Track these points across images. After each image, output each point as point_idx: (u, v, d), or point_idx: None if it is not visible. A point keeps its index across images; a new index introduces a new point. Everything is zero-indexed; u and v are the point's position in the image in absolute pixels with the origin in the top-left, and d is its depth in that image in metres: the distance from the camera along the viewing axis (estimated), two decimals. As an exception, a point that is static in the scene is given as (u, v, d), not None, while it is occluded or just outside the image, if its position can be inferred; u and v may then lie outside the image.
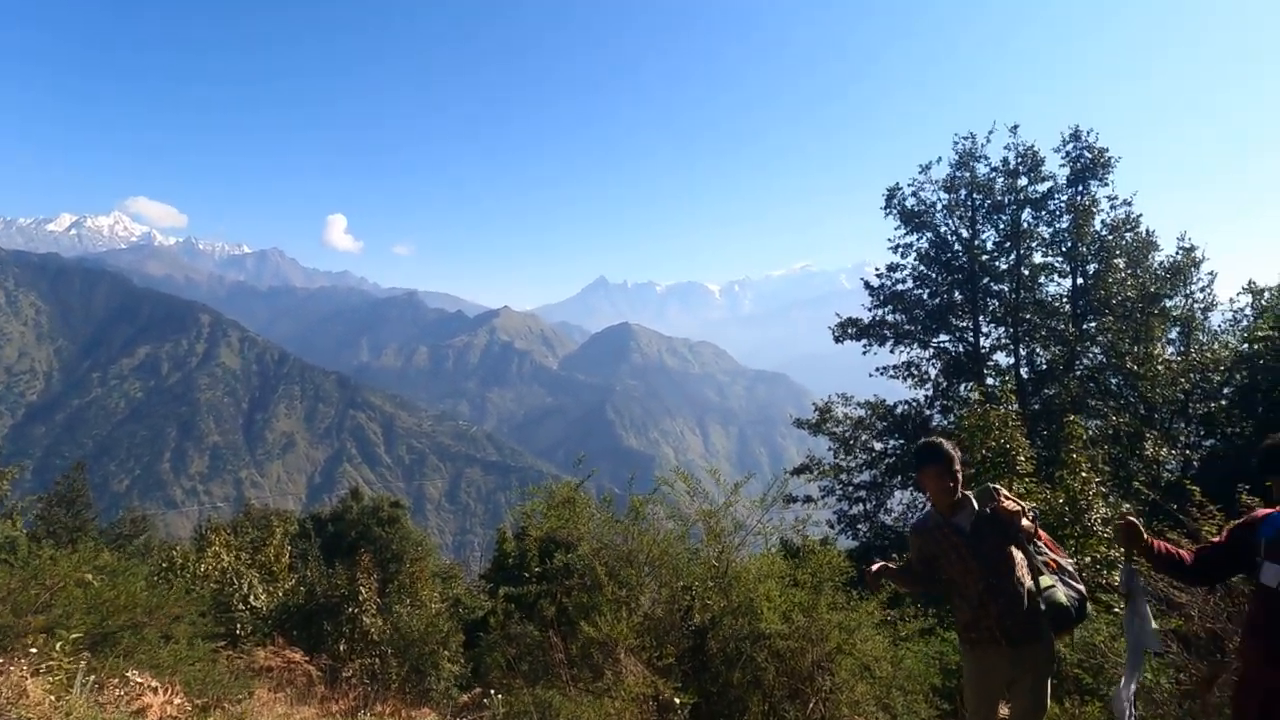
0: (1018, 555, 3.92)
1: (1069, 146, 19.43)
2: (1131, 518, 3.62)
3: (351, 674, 9.86)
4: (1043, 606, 3.90)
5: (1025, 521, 3.92)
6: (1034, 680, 3.92)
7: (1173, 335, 19.80)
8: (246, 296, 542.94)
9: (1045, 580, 3.94)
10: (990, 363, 20.45)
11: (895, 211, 21.02)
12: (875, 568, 4.26)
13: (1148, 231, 19.41)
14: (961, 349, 20.56)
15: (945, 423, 19.27)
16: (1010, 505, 3.90)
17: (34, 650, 4.68)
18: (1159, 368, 17.68)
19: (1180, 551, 3.57)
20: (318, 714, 6.03)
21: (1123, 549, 3.74)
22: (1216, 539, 3.58)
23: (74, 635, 5.42)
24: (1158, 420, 18.40)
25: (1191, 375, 17.76)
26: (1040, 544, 4.09)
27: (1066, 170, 19.46)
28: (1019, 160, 19.75)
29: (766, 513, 7.01)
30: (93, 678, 4.54)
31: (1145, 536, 3.54)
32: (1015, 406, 11.95)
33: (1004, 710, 4.15)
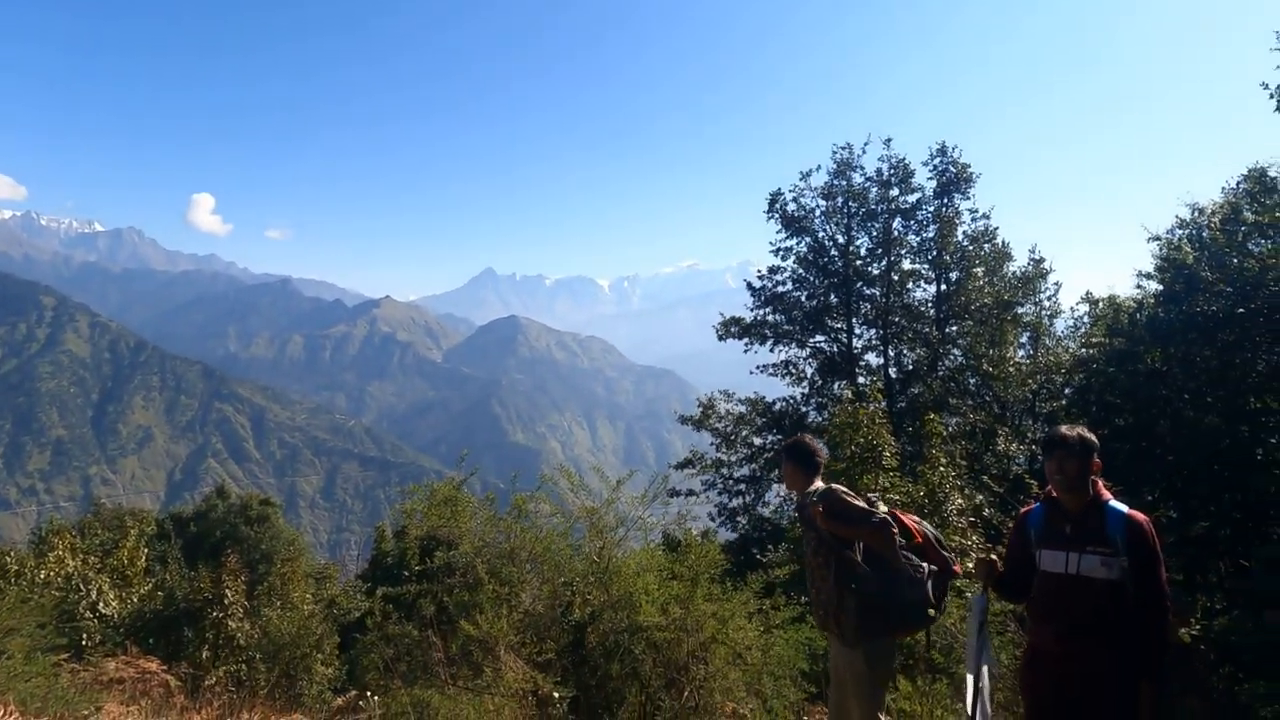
0: (826, 555, 4.13)
1: (936, 160, 20.74)
2: (994, 556, 3.97)
3: (215, 682, 9.35)
4: (845, 598, 4.06)
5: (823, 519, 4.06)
6: (852, 679, 4.14)
7: (1023, 340, 21.56)
8: (98, 278, 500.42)
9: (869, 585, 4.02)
10: (862, 363, 21.57)
11: (777, 215, 21.78)
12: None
13: (1003, 244, 21.03)
14: (836, 349, 21.57)
15: (820, 419, 20.16)
16: (817, 510, 4.07)
17: None
18: (1010, 369, 19.20)
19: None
20: (177, 726, 5.72)
21: (980, 582, 3.98)
22: (1004, 552, 4.02)
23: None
24: (1009, 418, 19.97)
25: (1038, 377, 19.38)
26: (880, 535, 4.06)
27: (934, 183, 20.78)
28: (891, 171, 20.90)
29: (649, 507, 7.16)
30: (-86, 698, 4.15)
31: (999, 572, 3.88)
32: (883, 405, 12.68)
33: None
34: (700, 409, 21.58)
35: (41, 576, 12.74)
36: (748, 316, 22.33)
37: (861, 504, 4.08)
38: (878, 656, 4.08)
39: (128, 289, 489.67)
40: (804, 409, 21.14)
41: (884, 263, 21.16)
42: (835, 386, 20.78)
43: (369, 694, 6.90)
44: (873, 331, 21.64)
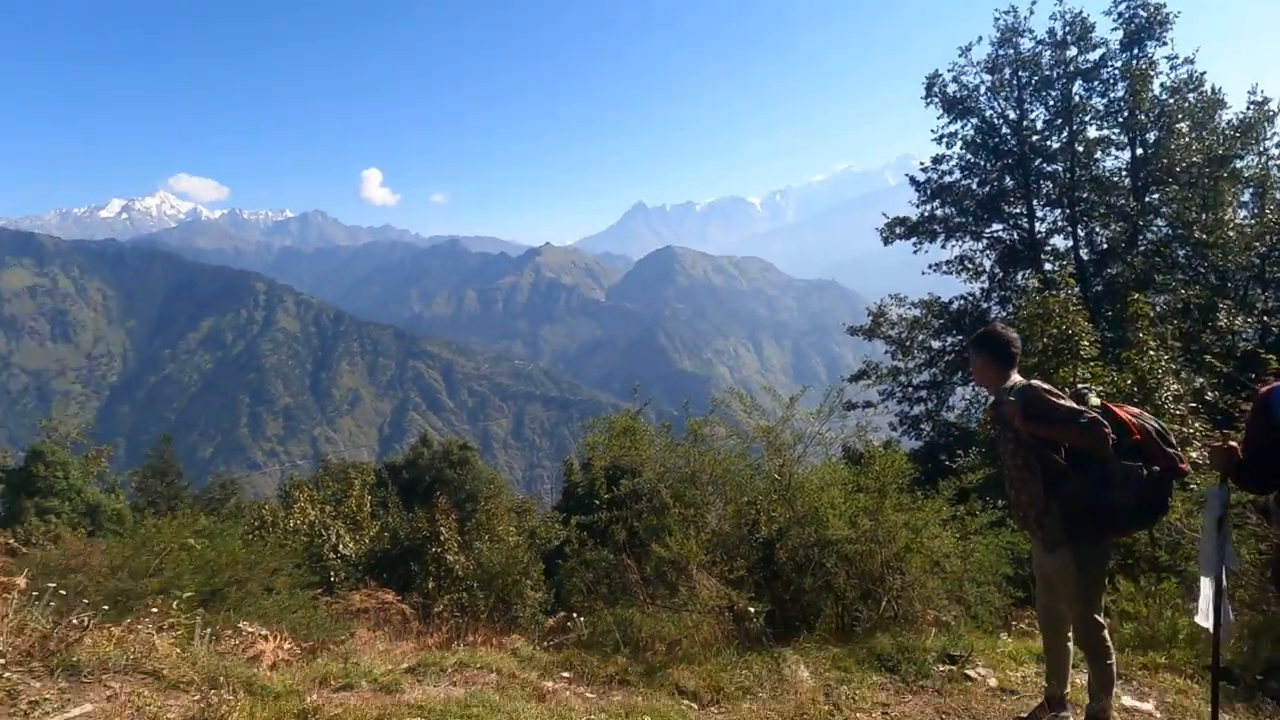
0: (1026, 456, 3.74)
1: (1121, 7, 18.14)
2: (1232, 443, 3.52)
3: (442, 609, 10.40)
4: (1050, 503, 3.70)
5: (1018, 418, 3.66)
6: (1060, 582, 3.83)
7: (1245, 198, 18.72)
8: (294, 260, 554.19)
9: (1078, 485, 3.61)
10: (1047, 248, 19.77)
11: (936, 100, 20.11)
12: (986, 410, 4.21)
13: (1213, 89, 18.18)
14: (1016, 236, 19.88)
15: (1004, 314, 18.84)
16: (1015, 410, 3.67)
17: (155, 610, 5.08)
18: (1230, 234, 16.80)
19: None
20: (415, 648, 6.42)
21: (1219, 473, 3.58)
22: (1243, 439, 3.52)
23: (186, 594, 5.86)
24: (1231, 289, 17.60)
25: (1268, 238, 16.87)
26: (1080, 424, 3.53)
27: (1120, 34, 18.24)
28: (1066, 29, 18.58)
29: (825, 422, 7.02)
30: (209, 631, 4.92)
31: (1239, 460, 3.45)
32: (1076, 290, 11.59)
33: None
34: (870, 317, 20.74)
35: (290, 525, 14.62)
36: (913, 214, 21.01)
37: (1067, 402, 3.62)
38: (1089, 558, 3.71)
39: (319, 267, 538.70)
40: (985, 305, 19.79)
41: (1065, 134, 19.05)
42: (1019, 277, 19.24)
43: (575, 614, 7.40)
44: (1057, 212, 19.71)
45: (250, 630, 5.57)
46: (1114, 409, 3.69)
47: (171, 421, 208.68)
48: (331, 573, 12.95)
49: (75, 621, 3.83)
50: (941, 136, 20.28)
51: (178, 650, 4.06)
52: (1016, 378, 3.86)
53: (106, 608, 4.76)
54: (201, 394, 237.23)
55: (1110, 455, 3.54)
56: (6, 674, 3.28)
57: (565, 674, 4.93)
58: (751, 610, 5.59)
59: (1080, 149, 18.89)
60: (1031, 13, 18.88)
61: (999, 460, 4.12)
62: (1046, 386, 3.71)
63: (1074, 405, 3.58)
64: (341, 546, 14.24)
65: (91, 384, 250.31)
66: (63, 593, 4.24)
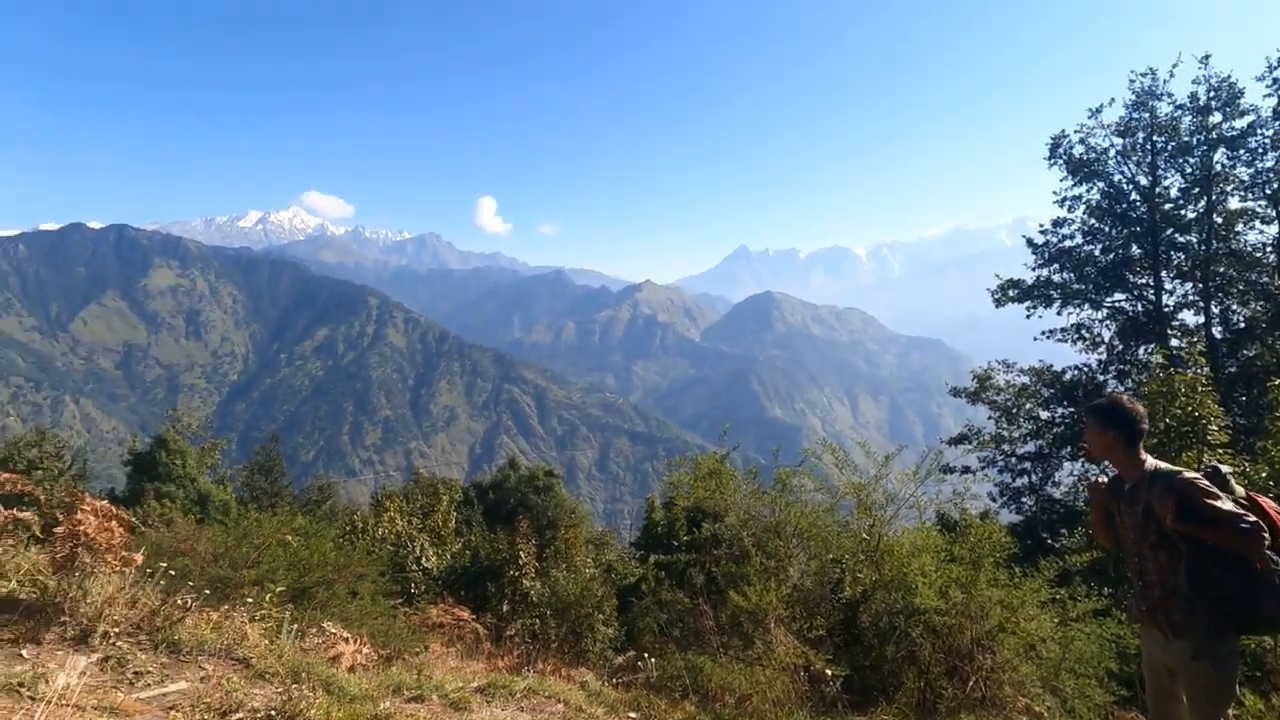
0: (1170, 551, 3.40)
1: (1277, 73, 17.06)
2: None
3: (514, 633, 10.47)
4: (1196, 602, 3.35)
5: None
6: (1187, 681, 3.46)
7: None
8: (408, 279, 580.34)
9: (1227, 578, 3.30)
10: (1175, 322, 18.57)
11: (1061, 161, 19.39)
12: (1097, 481, 3.83)
13: (1376, 166, 16.82)
14: (1140, 308, 18.78)
15: (1122, 388, 17.75)
16: (1167, 507, 3.32)
17: (249, 600, 5.34)
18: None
19: None
20: (486, 668, 6.49)
21: None
22: None
23: (279, 588, 6.12)
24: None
25: None
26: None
27: (1273, 100, 17.16)
28: (1211, 94, 17.60)
29: (921, 485, 6.76)
30: (296, 626, 5.12)
31: None
32: (1206, 370, 10.81)
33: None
34: (975, 381, 19.94)
35: (379, 533, 15.12)
36: (1029, 277, 20.17)
37: (1227, 504, 3.26)
38: (1226, 663, 3.36)
39: (431, 287, 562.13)
40: (1101, 377, 18.72)
41: (1202, 204, 17.97)
42: (1141, 351, 18.14)
43: (646, 655, 7.31)
44: (1188, 286, 18.52)
45: (333, 631, 5.76)
46: (1259, 500, 3.38)
47: (280, 422, 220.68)
48: (412, 584, 13.27)
49: (180, 602, 4.06)
50: (1064, 199, 19.50)
51: (266, 641, 4.24)
52: (1151, 460, 3.54)
53: (207, 592, 5.03)
54: (310, 399, 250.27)
55: (1265, 559, 3.25)
56: (119, 643, 3.51)
57: (632, 714, 4.86)
58: (829, 673, 5.39)
59: (1219, 220, 17.77)
60: (1172, 75, 18.05)
61: (1120, 542, 3.80)
62: (1203, 483, 3.32)
63: (1235, 509, 3.25)
64: (424, 559, 14.60)
65: (214, 380, 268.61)
66: (171, 573, 4.50)
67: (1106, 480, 3.80)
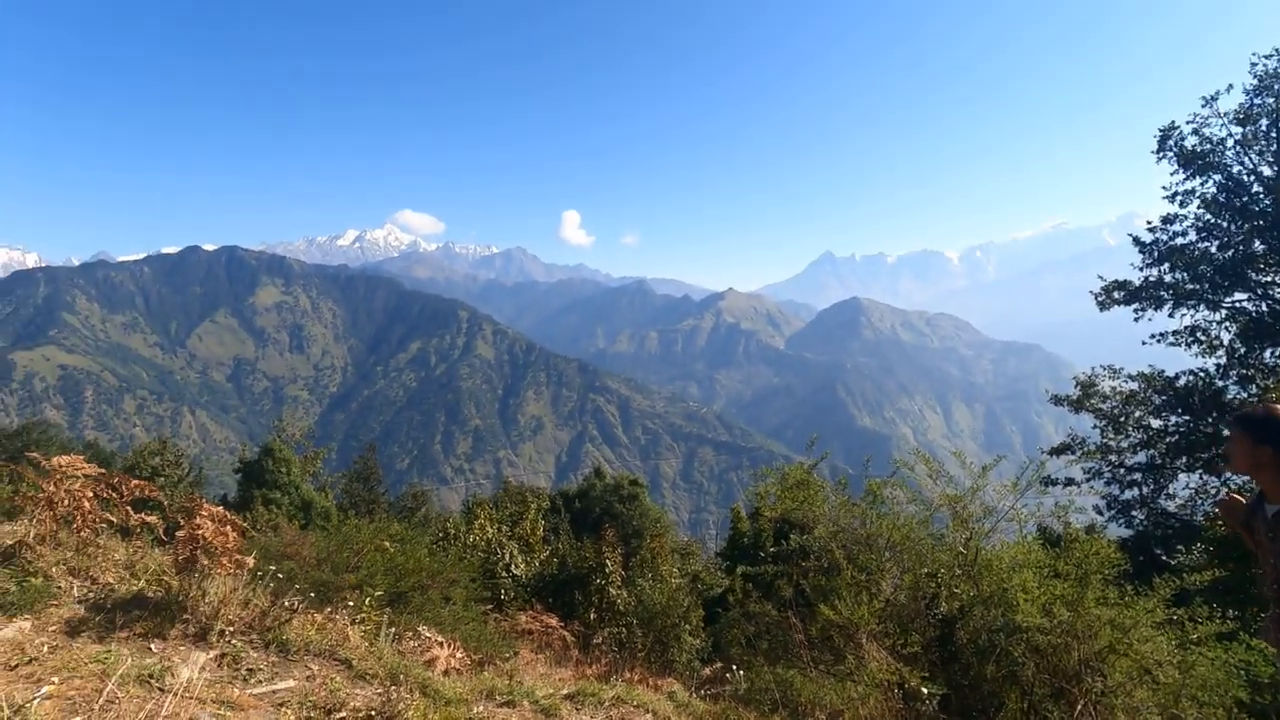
0: None
1: None
2: None
3: (601, 641, 10.56)
4: None
5: None
6: None
7: None
8: (496, 292, 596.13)
9: None
10: (1306, 323, 17.17)
11: (1171, 154, 18.21)
12: (1232, 498, 3.54)
13: None
14: (1265, 308, 17.43)
15: (1245, 395, 16.51)
16: None
17: (350, 603, 5.58)
18: None
19: None
20: (574, 675, 6.56)
21: None
22: None
23: (377, 593, 6.36)
24: None
25: None
26: None
27: None
28: (1344, 75, 16.29)
29: (1021, 497, 6.47)
30: (393, 630, 5.31)
31: None
32: (1343, 375, 9.97)
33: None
34: (1078, 387, 18.91)
35: (470, 540, 15.51)
36: (1136, 278, 19.03)
37: None
38: None
39: (517, 299, 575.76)
40: (1221, 383, 17.44)
41: (1336, 193, 16.59)
42: (1267, 354, 16.83)
43: (734, 667, 7.24)
44: (1322, 283, 17.11)
45: (428, 635, 5.95)
46: None
47: (377, 432, 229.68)
48: (502, 591, 13.55)
49: (287, 604, 4.28)
50: (1175, 194, 18.32)
51: (366, 644, 4.41)
52: None
53: (312, 595, 5.28)
54: (404, 409, 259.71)
55: None
56: (234, 640, 3.73)
57: (720, 727, 4.82)
58: (925, 691, 5.21)
59: (1356, 211, 16.36)
60: (1300, 57, 16.76)
61: (1257, 562, 3.49)
62: None
63: None
64: (513, 566, 14.89)
65: (316, 392, 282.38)
66: (279, 576, 4.74)
67: (1244, 498, 3.50)
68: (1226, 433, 3.44)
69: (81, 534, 4.40)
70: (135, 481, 4.59)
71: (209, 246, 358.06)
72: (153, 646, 3.50)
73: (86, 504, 4.37)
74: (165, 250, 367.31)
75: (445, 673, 4.93)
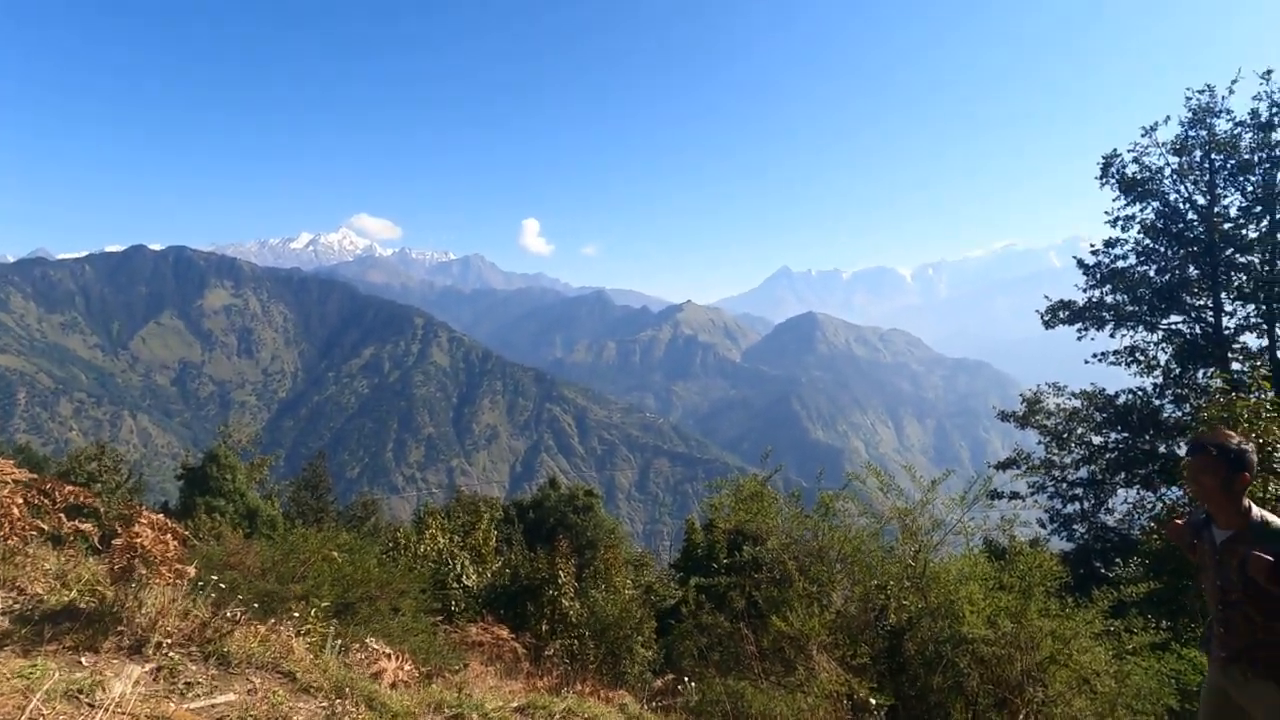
0: (1273, 606, 3.21)
1: (1343, 88, 16.46)
2: None
3: (553, 653, 10.47)
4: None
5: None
6: (1269, 716, 3.30)
7: None
8: (453, 299, 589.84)
9: None
10: (1236, 345, 17.88)
11: (1113, 181, 18.91)
12: (1173, 521, 3.70)
13: None
14: (1198, 330, 18.15)
15: (1179, 414, 17.14)
16: (1262, 564, 3.08)
17: (295, 615, 5.43)
18: None
19: None
20: (525, 688, 6.48)
21: None
22: None
23: (324, 603, 6.21)
24: None
25: None
26: None
27: (1339, 117, 16.56)
28: (1274, 110, 17.07)
29: (968, 511, 6.61)
30: (340, 641, 5.18)
31: None
32: (1270, 395, 10.40)
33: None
34: (1025, 404, 19.43)
35: (421, 550, 15.26)
36: (1080, 298, 19.66)
37: None
38: None
39: (475, 307, 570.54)
40: (1157, 402, 18.08)
41: (1265, 223, 17.35)
42: (1200, 375, 17.49)
43: (686, 679, 7.23)
44: (1250, 307, 17.84)
45: (376, 647, 5.82)
46: None
47: (327, 439, 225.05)
48: (453, 602, 13.36)
49: (229, 615, 4.15)
50: (1117, 219, 19.00)
51: (311, 656, 4.30)
52: (1257, 510, 3.36)
53: (256, 606, 5.13)
54: (356, 416, 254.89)
55: None
56: (171, 653, 3.60)
57: (671, 739, 4.80)
58: (873, 701, 5.27)
59: (1283, 240, 17.14)
60: (1231, 92, 17.51)
61: (1195, 575, 3.64)
62: None
63: None
64: (465, 577, 14.70)
65: (264, 397, 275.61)
66: (221, 586, 4.61)
67: (1184, 519, 3.65)
68: (1188, 457, 3.55)
69: (9, 542, 4.21)
70: (70, 487, 4.41)
71: (156, 246, 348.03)
72: (83, 660, 3.36)
73: (15, 510, 4.18)
74: (109, 249, 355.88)
75: (393, 685, 4.82)
